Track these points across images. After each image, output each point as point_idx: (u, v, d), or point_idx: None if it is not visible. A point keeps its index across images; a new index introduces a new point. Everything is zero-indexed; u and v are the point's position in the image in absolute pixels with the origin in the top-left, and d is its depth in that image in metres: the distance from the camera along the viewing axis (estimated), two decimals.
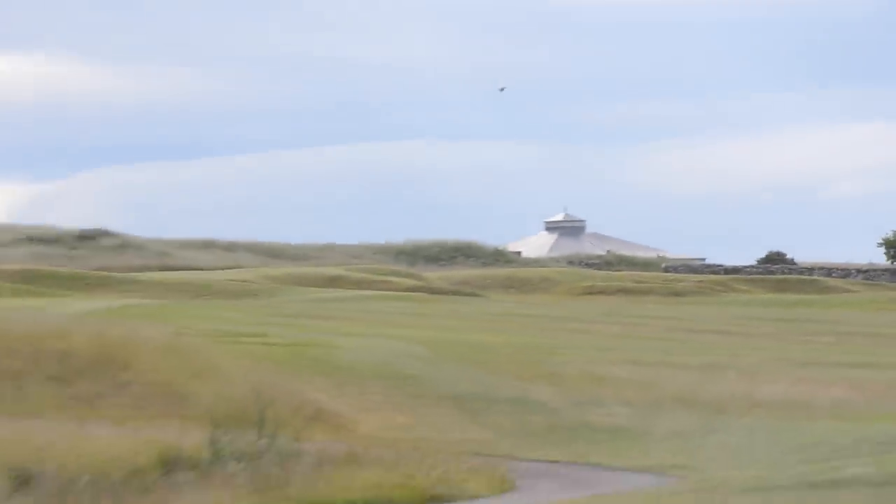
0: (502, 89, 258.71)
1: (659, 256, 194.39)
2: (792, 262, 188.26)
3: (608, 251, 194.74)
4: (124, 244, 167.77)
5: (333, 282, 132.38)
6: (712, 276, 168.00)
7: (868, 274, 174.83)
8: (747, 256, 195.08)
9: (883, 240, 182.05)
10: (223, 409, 60.10)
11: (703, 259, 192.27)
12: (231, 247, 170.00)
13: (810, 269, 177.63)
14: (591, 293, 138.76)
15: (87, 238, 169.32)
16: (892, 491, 43.39)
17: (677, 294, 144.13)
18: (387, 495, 50.47)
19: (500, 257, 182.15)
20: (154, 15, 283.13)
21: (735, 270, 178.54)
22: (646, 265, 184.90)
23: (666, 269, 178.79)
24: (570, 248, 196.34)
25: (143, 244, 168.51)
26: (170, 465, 52.94)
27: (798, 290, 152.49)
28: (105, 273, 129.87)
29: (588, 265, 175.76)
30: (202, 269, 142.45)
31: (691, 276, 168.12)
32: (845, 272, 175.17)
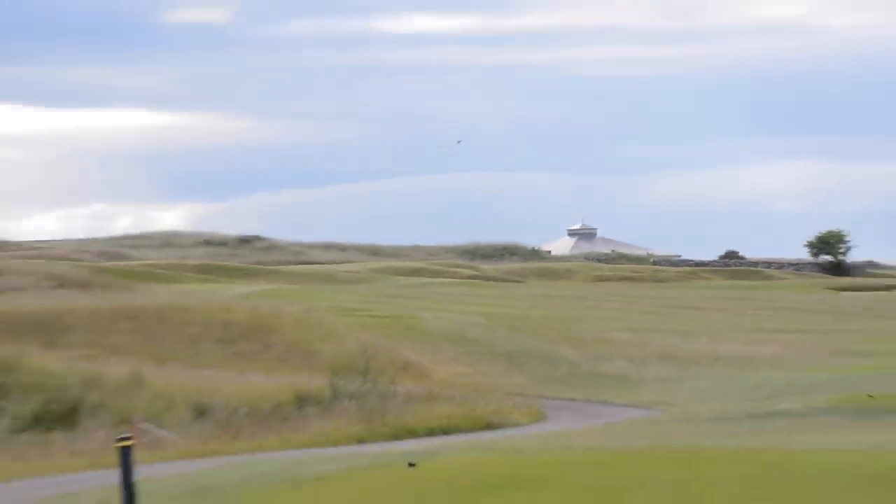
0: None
1: (648, 254, 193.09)
2: (743, 258, 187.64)
3: (612, 250, 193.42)
4: (271, 246, 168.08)
5: (417, 272, 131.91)
6: (686, 268, 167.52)
7: (797, 266, 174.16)
8: (711, 254, 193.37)
9: (807, 242, 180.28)
10: (340, 361, 59.93)
11: (680, 255, 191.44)
12: (345, 247, 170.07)
13: (756, 263, 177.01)
14: (600, 280, 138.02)
15: (245, 241, 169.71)
16: (812, 420, 43.08)
17: (661, 280, 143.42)
18: (455, 424, 50.19)
19: (535, 255, 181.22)
20: (290, 82, 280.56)
21: (702, 264, 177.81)
22: (639, 260, 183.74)
23: (654, 263, 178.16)
24: (586, 248, 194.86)
25: (285, 246, 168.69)
26: (302, 401, 52.84)
27: (747, 278, 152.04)
28: (258, 266, 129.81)
29: (598, 260, 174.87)
30: (325, 264, 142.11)
31: (671, 267, 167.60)
32: (780, 265, 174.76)
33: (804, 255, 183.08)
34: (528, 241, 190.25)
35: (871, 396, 50.14)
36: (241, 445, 42.96)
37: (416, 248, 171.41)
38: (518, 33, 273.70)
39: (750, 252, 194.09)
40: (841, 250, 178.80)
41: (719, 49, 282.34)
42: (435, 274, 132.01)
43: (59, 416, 49.06)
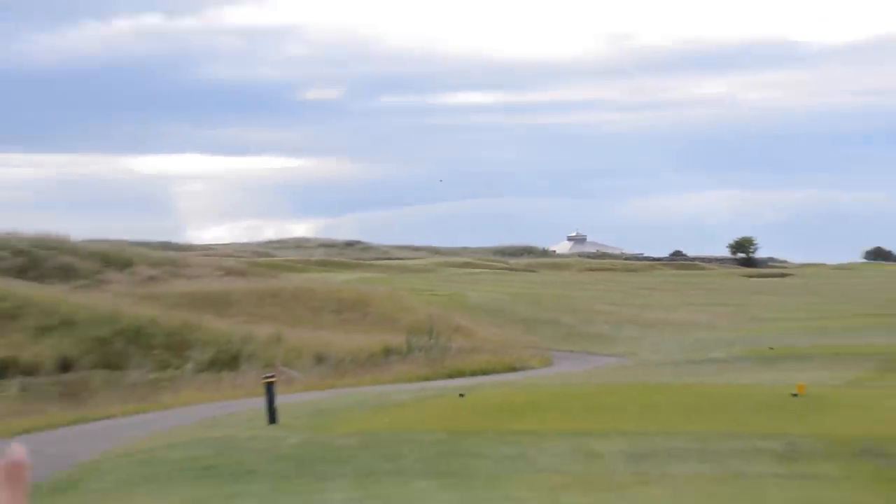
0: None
1: (621, 252, 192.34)
2: (685, 255, 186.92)
3: (597, 250, 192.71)
4: (367, 247, 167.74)
5: (465, 265, 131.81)
6: (646, 262, 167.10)
7: (721, 261, 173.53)
8: (664, 252, 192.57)
9: (728, 244, 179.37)
10: (413, 325, 59.86)
11: (643, 253, 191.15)
12: (417, 248, 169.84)
13: (694, 259, 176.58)
14: (589, 270, 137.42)
15: (350, 245, 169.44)
16: (731, 364, 42.81)
17: (631, 270, 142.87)
18: (491, 367, 50.01)
19: (544, 253, 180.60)
20: (387, 137, 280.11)
21: (658, 259, 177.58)
22: (615, 257, 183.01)
23: (625, 259, 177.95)
24: (579, 249, 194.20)
25: (377, 247, 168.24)
26: (387, 352, 52.75)
27: (688, 269, 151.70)
28: (358, 261, 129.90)
29: (587, 257, 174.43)
30: (403, 259, 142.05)
31: (637, 262, 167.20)
32: (710, 260, 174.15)
33: (726, 253, 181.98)
34: (539, 244, 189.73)
35: (772, 349, 50.00)
36: (345, 382, 43.02)
37: (465, 249, 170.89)
38: (532, 103, 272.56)
39: (690, 251, 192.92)
40: (751, 250, 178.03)
41: (670, 114, 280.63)
42: (477, 266, 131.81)
43: (225, 362, 49.27)
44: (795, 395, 26.00)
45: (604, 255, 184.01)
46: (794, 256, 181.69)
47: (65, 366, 47.33)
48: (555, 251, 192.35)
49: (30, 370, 46.63)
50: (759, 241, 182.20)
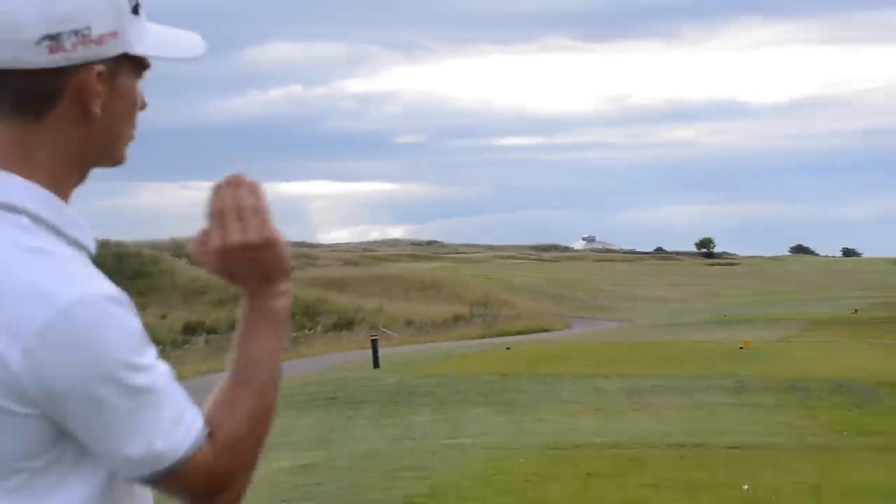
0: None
1: (620, 248, 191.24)
2: (665, 250, 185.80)
3: (603, 247, 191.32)
4: (443, 245, 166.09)
5: (510, 257, 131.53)
6: (637, 255, 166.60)
7: (689, 254, 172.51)
8: (649, 247, 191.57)
9: (695, 242, 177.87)
10: (473, 299, 59.74)
11: (634, 249, 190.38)
12: (478, 246, 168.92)
13: (670, 253, 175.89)
14: (598, 261, 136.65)
15: (430, 243, 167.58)
16: (698, 326, 42.51)
17: (627, 261, 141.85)
18: (528, 329, 49.83)
19: (566, 249, 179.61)
20: (452, 169, 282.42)
21: (645, 253, 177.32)
22: (615, 251, 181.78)
23: (623, 253, 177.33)
24: (590, 246, 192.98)
25: (448, 245, 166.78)
26: (455, 319, 52.59)
27: (667, 260, 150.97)
28: (435, 255, 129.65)
29: (596, 252, 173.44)
30: (467, 253, 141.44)
31: (630, 255, 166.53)
32: (681, 253, 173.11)
33: (693, 248, 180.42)
34: (562, 242, 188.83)
35: (725, 316, 49.83)
36: (426, 339, 43.07)
37: (510, 245, 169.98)
38: (558, 144, 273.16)
39: (668, 247, 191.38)
40: (711, 246, 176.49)
41: (654, 151, 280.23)
42: (519, 258, 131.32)
43: (344, 325, 49.39)
44: (742, 348, 25.89)
45: (607, 250, 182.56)
46: (741, 250, 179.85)
47: (234, 327, 47.98)
48: (573, 247, 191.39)
49: (212, 329, 47.81)
50: (716, 240, 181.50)
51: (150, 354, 1.60)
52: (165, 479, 1.58)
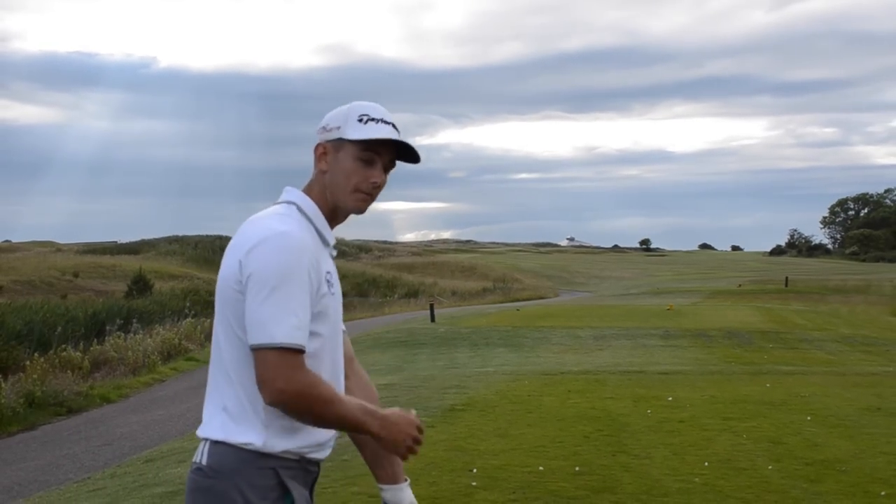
0: None
1: (592, 245, 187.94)
2: (619, 246, 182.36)
3: (580, 244, 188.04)
4: (476, 244, 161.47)
5: (520, 251, 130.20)
6: (599, 249, 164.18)
7: (635, 249, 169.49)
8: (608, 244, 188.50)
9: (639, 241, 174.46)
10: (496, 278, 59.20)
11: (598, 245, 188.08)
12: (498, 243, 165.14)
13: (623, 248, 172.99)
14: (576, 253, 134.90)
15: (465, 241, 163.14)
16: (641, 297, 41.82)
17: (594, 254, 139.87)
18: (531, 297, 49.17)
19: (556, 246, 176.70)
20: (485, 193, 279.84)
21: (605, 248, 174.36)
22: (588, 247, 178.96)
23: (592, 248, 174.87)
24: (572, 244, 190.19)
25: (480, 243, 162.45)
26: (483, 291, 51.52)
27: (620, 253, 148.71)
28: (471, 249, 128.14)
29: (575, 248, 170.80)
30: (492, 248, 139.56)
31: (597, 249, 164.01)
32: (629, 248, 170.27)
33: (637, 245, 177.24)
34: (553, 241, 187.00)
35: (657, 289, 49.01)
36: (465, 304, 42.68)
37: (519, 243, 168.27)
38: (551, 178, 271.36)
39: (621, 244, 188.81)
40: (649, 244, 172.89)
41: (613, 183, 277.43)
42: (525, 251, 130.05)
43: (411, 294, 49.00)
44: (669, 309, 25.53)
45: (582, 247, 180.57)
46: (667, 246, 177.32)
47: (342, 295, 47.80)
48: (560, 245, 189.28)
49: None
50: (652, 240, 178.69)
51: (298, 282, 1.74)
52: (256, 351, 1.71)
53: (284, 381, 1.68)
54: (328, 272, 1.88)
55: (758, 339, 16.87)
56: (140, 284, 31.36)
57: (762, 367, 11.85)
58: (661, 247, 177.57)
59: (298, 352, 1.71)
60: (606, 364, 12.80)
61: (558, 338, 17.71)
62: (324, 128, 1.94)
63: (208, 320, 22.52)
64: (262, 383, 1.71)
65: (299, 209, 1.90)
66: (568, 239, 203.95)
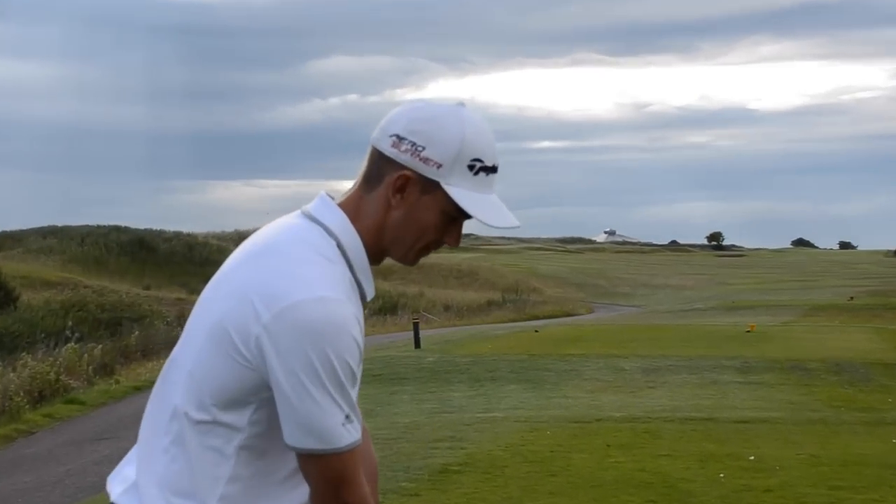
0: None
1: (638, 241, 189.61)
2: (679, 243, 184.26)
3: (623, 240, 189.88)
4: (478, 237, 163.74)
5: (538, 249, 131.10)
6: (653, 247, 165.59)
7: (702, 247, 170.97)
8: (664, 240, 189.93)
9: (706, 237, 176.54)
10: (506, 286, 59.55)
11: (651, 241, 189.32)
12: (509, 238, 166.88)
13: (684, 245, 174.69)
14: (617, 252, 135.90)
15: (466, 236, 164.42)
16: (707, 312, 42.24)
17: (644, 253, 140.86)
18: (555, 314, 49.64)
19: (589, 242, 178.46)
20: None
21: (661, 245, 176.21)
22: (634, 244, 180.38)
23: (640, 245, 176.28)
24: (611, 239, 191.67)
25: (483, 237, 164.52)
26: (489, 304, 52.24)
27: (680, 252, 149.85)
28: (472, 246, 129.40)
29: (615, 244, 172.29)
30: (500, 245, 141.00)
31: (647, 247, 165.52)
32: (694, 246, 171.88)
33: (704, 241, 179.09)
34: (585, 235, 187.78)
35: (734, 302, 49.48)
36: (463, 322, 42.97)
37: (538, 238, 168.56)
38: (585, 147, 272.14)
39: (681, 240, 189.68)
40: (720, 240, 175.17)
41: (671, 154, 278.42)
42: (546, 249, 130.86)
43: (388, 309, 49.30)
44: (748, 331, 25.67)
45: (626, 243, 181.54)
46: (747, 243, 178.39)
47: None
48: (595, 240, 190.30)
49: None
50: (725, 234, 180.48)
51: (344, 369, 1.91)
52: (307, 457, 1.86)
53: (349, 493, 1.88)
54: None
55: (878, 375, 16.96)
56: None
57: (885, 415, 11.90)
58: (739, 244, 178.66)
59: (357, 451, 1.90)
60: (661, 408, 12.85)
61: (593, 371, 17.77)
62: (414, 144, 1.92)
63: (99, 346, 22.45)
64: (320, 496, 1.90)
65: (339, 246, 1.95)
66: (607, 232, 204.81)
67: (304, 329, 1.83)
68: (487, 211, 1.97)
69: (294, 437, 1.87)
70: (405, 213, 1.95)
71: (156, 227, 63.09)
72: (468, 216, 1.98)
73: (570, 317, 48.00)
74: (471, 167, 1.93)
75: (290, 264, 1.89)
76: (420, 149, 1.91)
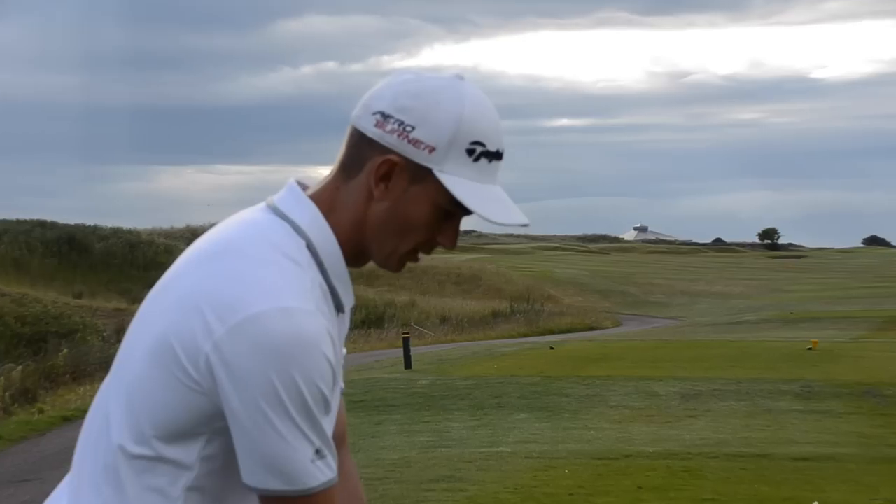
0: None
1: (674, 239, 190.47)
2: (724, 242, 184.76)
3: (656, 237, 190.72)
4: (480, 235, 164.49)
5: (554, 248, 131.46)
6: (694, 247, 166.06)
7: (752, 246, 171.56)
8: (706, 238, 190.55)
9: (758, 233, 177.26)
10: (514, 294, 59.73)
11: (691, 240, 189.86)
12: (518, 236, 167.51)
13: (730, 244, 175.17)
14: (649, 253, 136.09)
15: (467, 233, 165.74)
16: (760, 325, 42.40)
17: (682, 253, 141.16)
18: (574, 327, 49.79)
19: (616, 240, 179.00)
20: None
21: (702, 244, 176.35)
22: (669, 242, 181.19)
23: (677, 244, 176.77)
24: (642, 236, 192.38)
25: (486, 235, 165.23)
26: (494, 315, 52.54)
27: (726, 252, 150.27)
28: (473, 245, 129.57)
29: (647, 242, 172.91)
30: (507, 244, 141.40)
31: (685, 246, 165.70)
32: (743, 245, 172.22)
33: (756, 239, 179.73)
34: (611, 232, 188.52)
35: (791, 313, 49.58)
36: (463, 337, 43.04)
37: (554, 236, 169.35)
38: (612, 126, 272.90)
39: (727, 238, 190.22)
40: (775, 237, 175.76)
41: (715, 134, 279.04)
42: (563, 249, 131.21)
43: (373, 321, 49.43)
44: (810, 348, 25.74)
45: (660, 242, 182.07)
46: (808, 242, 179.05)
47: None
48: (623, 238, 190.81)
49: None
50: (781, 230, 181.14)
51: (314, 395, 1.89)
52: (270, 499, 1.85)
53: None
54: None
55: None
56: None
57: None
58: (798, 242, 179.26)
59: (332, 492, 1.88)
60: (703, 442, 12.89)
61: (620, 396, 17.84)
62: (402, 124, 1.91)
63: (19, 367, 22.36)
64: None
65: (309, 246, 1.94)
66: (637, 229, 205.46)
67: (264, 347, 1.80)
68: (490, 204, 1.95)
69: (254, 476, 1.85)
70: (390, 206, 1.94)
71: (89, 221, 63.09)
72: (467, 211, 1.95)
73: (592, 331, 48.05)
74: (470, 152, 1.92)
75: (249, 268, 1.86)
76: (409, 129, 1.90)
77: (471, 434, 14.35)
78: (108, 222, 63.22)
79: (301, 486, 1.84)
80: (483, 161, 1.94)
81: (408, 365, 24.28)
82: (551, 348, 28.23)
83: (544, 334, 44.43)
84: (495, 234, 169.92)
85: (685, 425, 14.76)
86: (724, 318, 52.21)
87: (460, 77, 1.95)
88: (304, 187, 1.99)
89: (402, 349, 25.68)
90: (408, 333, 28.25)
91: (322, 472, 1.86)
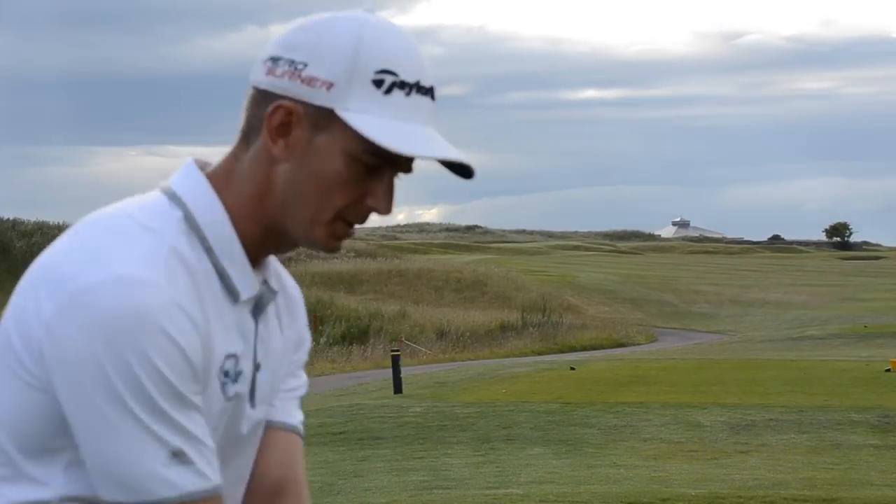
0: None
1: (721, 237, 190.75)
2: (783, 239, 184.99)
3: (699, 234, 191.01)
4: (486, 231, 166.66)
5: (576, 248, 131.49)
6: (745, 246, 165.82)
7: (817, 244, 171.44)
8: (762, 237, 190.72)
9: (825, 229, 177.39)
10: (527, 303, 59.84)
11: (742, 237, 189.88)
12: (532, 232, 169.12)
13: (791, 242, 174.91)
14: (691, 253, 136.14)
15: (470, 228, 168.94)
16: (827, 342, 42.44)
17: (731, 254, 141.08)
18: (599, 343, 49.86)
19: (651, 237, 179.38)
20: (506, 129, 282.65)
21: (757, 243, 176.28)
22: (716, 240, 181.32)
23: (726, 243, 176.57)
24: (682, 233, 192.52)
25: (494, 231, 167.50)
26: (503, 328, 52.67)
27: (785, 252, 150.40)
28: (478, 244, 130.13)
29: (689, 240, 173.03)
30: (518, 243, 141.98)
31: (736, 245, 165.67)
32: (807, 243, 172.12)
33: (822, 237, 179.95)
34: (646, 228, 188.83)
35: (866, 327, 49.54)
36: (465, 355, 43.12)
37: (575, 233, 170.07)
38: (649, 98, 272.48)
39: (787, 236, 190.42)
40: (846, 234, 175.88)
41: (776, 108, 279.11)
42: (587, 249, 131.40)
43: (355, 336, 49.59)
44: (888, 370, 25.73)
45: (705, 240, 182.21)
46: (887, 240, 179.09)
47: None
48: (660, 235, 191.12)
49: None
50: (853, 225, 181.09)
51: (159, 380, 1.87)
52: None
53: None
54: (230, 355, 1.92)
55: None
56: None
57: None
58: (873, 240, 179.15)
59: (218, 497, 1.85)
60: (756, 482, 12.90)
61: (656, 427, 17.89)
62: (293, 62, 1.89)
63: None
64: None
65: (187, 218, 1.91)
66: (677, 224, 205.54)
67: (92, 323, 1.76)
68: (408, 140, 1.88)
69: (101, 487, 1.81)
70: (295, 165, 1.89)
71: (9, 214, 63.02)
72: (395, 163, 1.90)
73: (622, 348, 48.07)
74: (378, 83, 1.87)
75: (92, 238, 1.85)
76: (300, 66, 1.88)
77: (474, 472, 14.38)
78: (31, 216, 63.28)
79: (147, 498, 1.78)
80: (398, 94, 1.89)
81: (398, 389, 24.30)
82: (572, 369, 28.25)
83: (563, 352, 44.43)
84: (504, 231, 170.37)
85: (735, 462, 14.78)
86: (782, 332, 52.23)
87: (369, 9, 1.95)
88: (205, 166, 1.98)
89: (390, 370, 25.72)
90: (398, 351, 28.29)
91: (184, 480, 1.80)
